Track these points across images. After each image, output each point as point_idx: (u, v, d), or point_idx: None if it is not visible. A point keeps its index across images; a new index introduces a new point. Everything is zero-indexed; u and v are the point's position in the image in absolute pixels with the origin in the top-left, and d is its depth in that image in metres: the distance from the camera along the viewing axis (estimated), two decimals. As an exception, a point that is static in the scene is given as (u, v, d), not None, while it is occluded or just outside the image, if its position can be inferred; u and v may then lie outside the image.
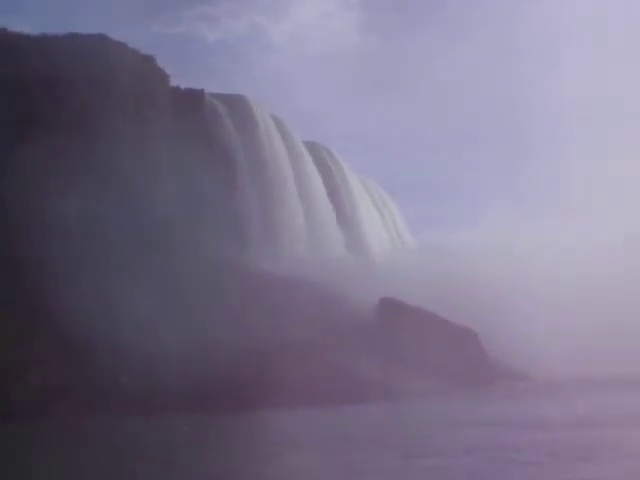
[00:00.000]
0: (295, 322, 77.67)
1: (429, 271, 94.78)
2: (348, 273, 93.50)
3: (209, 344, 72.01)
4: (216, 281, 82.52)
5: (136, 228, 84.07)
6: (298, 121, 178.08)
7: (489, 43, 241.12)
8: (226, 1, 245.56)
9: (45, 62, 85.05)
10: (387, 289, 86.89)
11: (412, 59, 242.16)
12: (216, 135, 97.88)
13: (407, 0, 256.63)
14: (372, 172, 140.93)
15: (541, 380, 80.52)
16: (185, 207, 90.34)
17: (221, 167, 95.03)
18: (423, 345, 76.71)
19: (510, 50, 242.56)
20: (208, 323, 74.77)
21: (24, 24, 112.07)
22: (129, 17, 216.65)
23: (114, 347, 69.56)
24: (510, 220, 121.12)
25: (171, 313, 74.30)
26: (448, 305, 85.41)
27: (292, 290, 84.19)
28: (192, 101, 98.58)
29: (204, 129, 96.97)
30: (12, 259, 76.69)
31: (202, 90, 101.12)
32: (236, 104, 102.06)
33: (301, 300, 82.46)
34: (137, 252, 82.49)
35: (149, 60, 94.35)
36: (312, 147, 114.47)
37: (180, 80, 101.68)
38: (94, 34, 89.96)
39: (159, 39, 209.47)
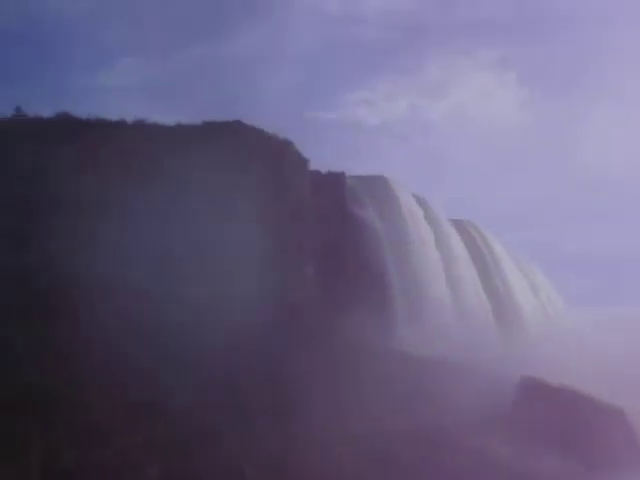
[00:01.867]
0: (432, 405, 74.47)
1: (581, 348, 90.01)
2: (496, 353, 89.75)
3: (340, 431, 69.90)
4: (354, 363, 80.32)
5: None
6: (455, 200, 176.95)
7: None
8: (384, 83, 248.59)
9: (178, 151, 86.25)
10: (534, 367, 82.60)
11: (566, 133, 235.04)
12: (357, 216, 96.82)
13: (568, 76, 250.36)
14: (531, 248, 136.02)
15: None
16: (327, 289, 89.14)
17: (363, 248, 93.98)
18: (564, 426, 71.72)
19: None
20: (342, 411, 72.76)
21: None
22: (286, 103, 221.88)
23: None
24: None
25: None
26: (598, 382, 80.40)
27: (433, 371, 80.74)
28: (332, 183, 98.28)
29: (344, 210, 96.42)
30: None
31: (343, 172, 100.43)
32: (377, 184, 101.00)
33: (441, 382, 78.90)
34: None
35: (287, 144, 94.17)
36: (458, 224, 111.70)
37: (334, 164, 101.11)
38: (229, 121, 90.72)
39: (314, 124, 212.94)
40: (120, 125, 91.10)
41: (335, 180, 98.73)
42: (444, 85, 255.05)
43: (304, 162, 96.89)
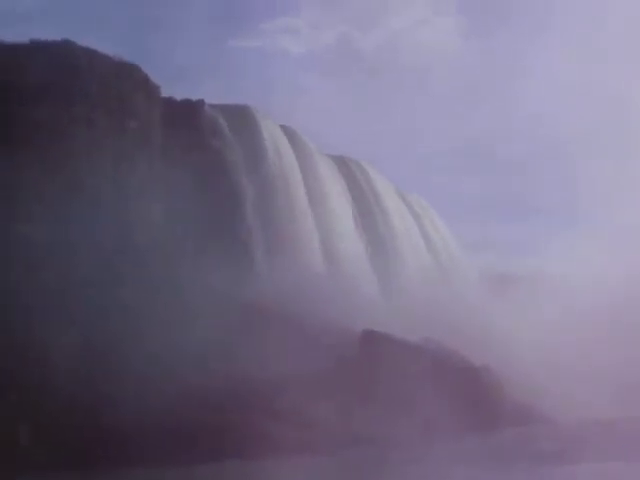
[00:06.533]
0: (266, 358, 65.50)
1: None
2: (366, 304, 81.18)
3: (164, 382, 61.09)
4: (194, 315, 71.24)
5: (112, 258, 74.48)
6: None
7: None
8: (309, 12, 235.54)
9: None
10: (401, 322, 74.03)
11: (510, 64, 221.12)
12: (214, 148, 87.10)
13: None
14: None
15: (568, 425, 64.80)
16: (174, 232, 79.60)
17: (218, 182, 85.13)
18: (403, 384, 62.37)
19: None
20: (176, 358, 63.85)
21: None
22: (204, 33, 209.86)
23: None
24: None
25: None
26: (468, 339, 72.01)
27: (282, 322, 71.53)
28: (189, 113, 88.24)
29: (201, 142, 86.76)
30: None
31: (202, 100, 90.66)
32: (239, 114, 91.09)
33: (285, 333, 69.60)
34: (110, 286, 72.78)
35: (130, 69, 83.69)
36: (338, 160, 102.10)
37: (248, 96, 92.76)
38: (58, 41, 79.99)
39: (235, 53, 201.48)
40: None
41: (191, 109, 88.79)
42: (375, 12, 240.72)
43: (153, 89, 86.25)
